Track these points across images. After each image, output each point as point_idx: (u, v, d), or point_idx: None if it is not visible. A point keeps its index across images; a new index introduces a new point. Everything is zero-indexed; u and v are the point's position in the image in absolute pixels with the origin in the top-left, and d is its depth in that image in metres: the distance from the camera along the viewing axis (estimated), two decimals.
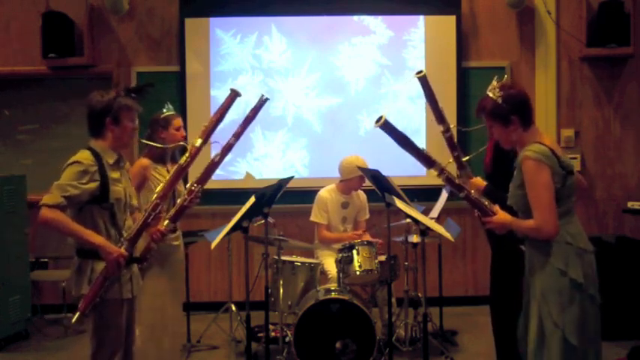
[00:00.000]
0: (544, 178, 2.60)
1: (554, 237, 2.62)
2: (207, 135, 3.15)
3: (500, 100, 2.69)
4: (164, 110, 3.77)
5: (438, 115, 3.16)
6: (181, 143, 3.22)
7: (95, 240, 2.76)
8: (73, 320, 2.77)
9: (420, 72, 3.00)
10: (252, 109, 3.35)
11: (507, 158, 3.55)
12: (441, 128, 3.18)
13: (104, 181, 2.82)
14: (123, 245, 2.84)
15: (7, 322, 5.10)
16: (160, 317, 3.61)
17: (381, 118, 2.76)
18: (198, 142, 3.12)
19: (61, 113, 6.23)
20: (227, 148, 3.26)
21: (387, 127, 2.78)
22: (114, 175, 2.88)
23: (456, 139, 3.22)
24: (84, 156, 2.83)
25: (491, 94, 2.73)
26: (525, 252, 2.82)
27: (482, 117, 2.81)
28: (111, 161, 2.88)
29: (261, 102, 3.37)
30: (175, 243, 3.71)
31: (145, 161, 3.67)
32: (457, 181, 2.84)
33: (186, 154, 3.10)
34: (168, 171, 3.62)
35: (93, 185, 2.79)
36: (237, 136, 3.29)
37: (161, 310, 3.61)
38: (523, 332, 2.80)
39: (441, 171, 2.81)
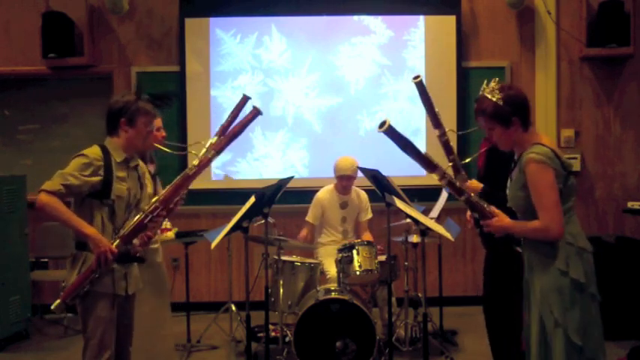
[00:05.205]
0: (548, 179, 2.57)
1: (561, 237, 2.59)
2: (220, 148, 3.10)
3: (501, 102, 2.64)
4: None
5: (434, 120, 3.16)
6: (193, 152, 3.15)
7: (87, 230, 2.76)
8: (53, 306, 2.78)
9: (417, 77, 2.96)
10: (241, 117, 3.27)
11: (500, 161, 3.55)
12: (437, 132, 3.18)
13: (108, 177, 2.84)
14: (115, 242, 2.82)
15: (7, 322, 5.10)
16: (148, 322, 3.50)
17: (384, 123, 2.63)
18: (211, 154, 3.07)
19: (61, 113, 6.23)
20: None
21: (390, 132, 2.69)
22: (120, 173, 2.91)
23: (456, 141, 3.21)
24: (92, 150, 2.88)
25: (490, 96, 2.66)
26: (523, 253, 2.80)
27: (480, 120, 2.75)
28: (119, 160, 2.91)
29: (243, 102, 3.30)
30: (154, 246, 3.62)
31: None
32: (458, 184, 2.82)
33: (195, 163, 3.02)
34: (149, 172, 3.59)
35: (95, 179, 2.82)
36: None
37: (148, 316, 3.50)
38: (528, 333, 2.79)
39: (443, 175, 2.77)
